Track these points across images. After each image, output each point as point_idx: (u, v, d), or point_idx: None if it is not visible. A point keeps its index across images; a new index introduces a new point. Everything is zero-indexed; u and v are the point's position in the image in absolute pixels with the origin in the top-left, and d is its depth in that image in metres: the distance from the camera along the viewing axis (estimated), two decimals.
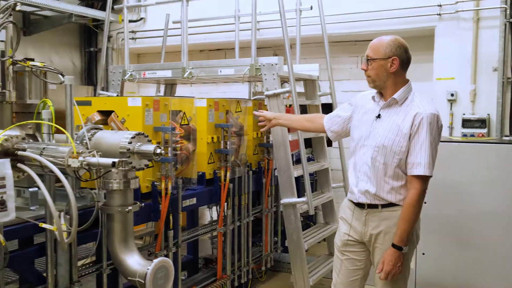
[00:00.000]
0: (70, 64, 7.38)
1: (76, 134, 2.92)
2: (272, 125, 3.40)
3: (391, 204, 2.69)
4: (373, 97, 2.79)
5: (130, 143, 2.76)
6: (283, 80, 4.75)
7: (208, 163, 4.04)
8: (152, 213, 3.41)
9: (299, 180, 4.76)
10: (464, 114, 5.20)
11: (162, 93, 5.71)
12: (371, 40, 2.73)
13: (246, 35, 6.14)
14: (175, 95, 5.65)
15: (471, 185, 3.76)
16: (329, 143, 6.52)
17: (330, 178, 4.82)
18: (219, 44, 6.67)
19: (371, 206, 2.74)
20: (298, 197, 4.16)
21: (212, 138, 4.04)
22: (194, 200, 3.85)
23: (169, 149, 3.42)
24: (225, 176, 4.11)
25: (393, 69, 2.63)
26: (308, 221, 5.87)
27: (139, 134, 2.82)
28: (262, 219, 4.85)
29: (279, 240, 5.17)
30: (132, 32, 7.05)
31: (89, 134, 2.89)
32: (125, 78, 4.75)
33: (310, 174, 5.05)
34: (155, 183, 3.40)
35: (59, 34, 7.05)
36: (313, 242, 4.35)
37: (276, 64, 4.08)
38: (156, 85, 5.78)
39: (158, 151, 2.78)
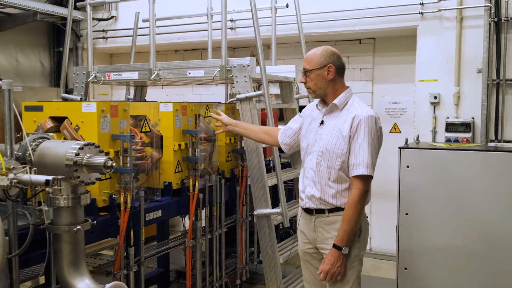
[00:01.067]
0: (39, 64, 7.02)
1: (20, 144, 2.63)
2: (227, 130, 3.44)
3: (337, 209, 2.74)
4: (316, 106, 2.88)
5: (77, 154, 2.46)
6: (258, 83, 4.49)
7: (175, 172, 3.75)
8: (110, 229, 3.11)
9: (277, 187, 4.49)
10: (447, 118, 4.98)
11: (132, 96, 5.41)
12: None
13: (220, 34, 5.87)
14: (145, 97, 5.36)
15: (455, 195, 3.53)
16: None
17: None
18: (194, 43, 6.38)
19: (319, 211, 2.80)
20: (275, 206, 3.91)
21: (180, 145, 3.76)
22: (159, 213, 3.56)
23: (128, 158, 3.13)
24: (194, 185, 3.83)
25: (330, 76, 2.73)
26: (289, 229, 5.60)
27: (88, 144, 2.53)
28: (236, 230, 4.57)
29: (255, 251, 4.90)
30: (103, 31, 6.73)
31: (34, 144, 2.59)
32: (89, 80, 4.44)
33: (288, 181, 4.79)
34: (113, 196, 3.11)
35: (26, 33, 6.69)
36: (290, 255, 4.08)
37: (248, 65, 3.81)
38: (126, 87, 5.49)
39: (110, 163, 2.48)
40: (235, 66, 3.84)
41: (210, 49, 5.04)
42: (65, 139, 3.01)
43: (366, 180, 2.65)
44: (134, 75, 4.32)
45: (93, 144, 2.56)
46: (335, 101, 2.75)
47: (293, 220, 4.92)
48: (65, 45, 4.64)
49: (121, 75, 4.39)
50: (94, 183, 2.57)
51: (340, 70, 2.76)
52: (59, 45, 7.01)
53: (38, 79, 6.95)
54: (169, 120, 3.71)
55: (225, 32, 3.89)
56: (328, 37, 5.82)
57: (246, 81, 3.82)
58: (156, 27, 6.16)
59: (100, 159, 2.48)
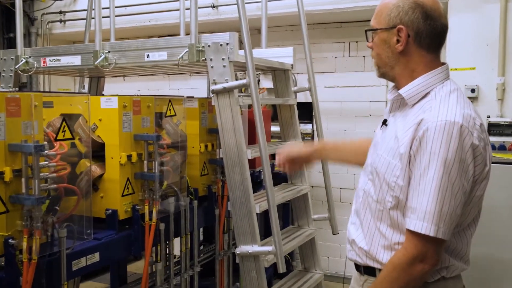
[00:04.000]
0: None
1: None
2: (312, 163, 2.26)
3: None
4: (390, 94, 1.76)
5: None
6: (241, 69, 3.39)
7: (123, 195, 2.64)
8: None
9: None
10: (489, 117, 3.87)
11: (86, 90, 4.29)
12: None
13: (200, 14, 4.76)
14: (102, 92, 4.23)
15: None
16: None
17: (310, 207, 3.45)
18: (169, 27, 5.23)
19: (368, 271, 1.72)
20: (265, 236, 2.82)
21: (130, 156, 2.64)
22: (96, 256, 2.44)
23: (36, 182, 2.00)
24: (151, 213, 2.71)
25: (399, 46, 1.62)
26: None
27: None
28: (215, 266, 3.46)
29: None
30: (60, 12, 5.59)
31: None
32: (17, 67, 3.32)
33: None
34: (10, 240, 1.98)
35: None
36: None
37: (227, 44, 2.69)
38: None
39: None
40: (209, 45, 2.72)
41: (183, 28, 3.89)
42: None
43: (423, 241, 1.51)
44: (76, 60, 3.19)
45: None
46: (402, 91, 1.65)
47: (292, 256, 3.79)
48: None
49: (59, 60, 3.26)
50: None
51: (423, 37, 1.60)
52: (9, 31, 5.86)
53: None
54: (114, 121, 2.60)
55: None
56: (333, 17, 4.72)
57: (224, 66, 2.70)
58: (122, 6, 5.08)
59: None
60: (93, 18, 3.41)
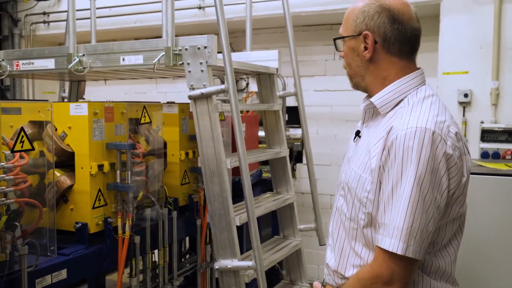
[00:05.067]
0: None
1: None
2: None
3: None
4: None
5: None
6: (223, 74, 3.25)
7: (94, 207, 2.49)
8: None
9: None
10: (483, 123, 3.74)
11: (67, 94, 4.14)
12: None
13: (186, 15, 4.63)
14: (83, 96, 4.08)
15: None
16: (299, 159, 5.04)
17: (296, 217, 3.31)
18: (156, 29, 5.06)
19: None
20: (246, 250, 2.67)
21: (101, 166, 2.50)
22: (63, 273, 2.29)
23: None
24: (124, 225, 2.56)
25: (367, 53, 1.52)
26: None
27: None
28: (197, 279, 3.32)
29: None
30: (44, 13, 5.44)
31: None
32: None
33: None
34: None
35: None
36: None
37: (205, 47, 2.55)
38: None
39: None
40: (186, 49, 2.58)
41: (165, 31, 3.75)
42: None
43: (390, 260, 1.37)
44: (50, 63, 3.05)
45: None
46: (374, 99, 1.53)
47: (282, 265, 3.65)
48: None
49: (32, 63, 3.12)
50: None
51: (392, 42, 1.49)
52: None
53: None
54: (83, 129, 2.45)
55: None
56: (323, 19, 4.58)
57: (202, 70, 2.56)
58: (106, 7, 4.94)
59: None
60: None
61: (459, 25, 3.85)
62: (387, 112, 1.50)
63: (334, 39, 1.60)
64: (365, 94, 1.63)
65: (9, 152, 2.03)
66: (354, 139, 1.62)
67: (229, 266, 2.57)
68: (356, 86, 1.60)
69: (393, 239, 1.35)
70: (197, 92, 2.55)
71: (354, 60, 1.54)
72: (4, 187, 1.92)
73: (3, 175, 1.91)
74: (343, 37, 1.56)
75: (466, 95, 3.78)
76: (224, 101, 3.73)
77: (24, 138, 1.94)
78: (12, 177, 1.92)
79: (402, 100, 1.49)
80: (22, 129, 1.94)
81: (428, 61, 4.19)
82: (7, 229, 1.96)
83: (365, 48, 1.51)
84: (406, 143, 1.34)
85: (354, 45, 1.53)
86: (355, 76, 1.58)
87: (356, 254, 1.51)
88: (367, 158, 1.46)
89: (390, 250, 1.35)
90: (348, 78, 1.62)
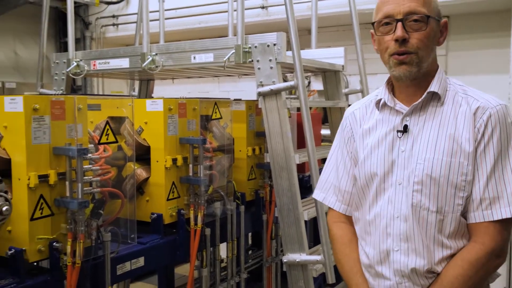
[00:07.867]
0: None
1: None
2: None
3: None
4: (377, 102, 1.63)
5: None
6: (289, 71, 3.29)
7: (169, 199, 2.60)
8: None
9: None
10: None
11: (136, 92, 4.32)
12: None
13: (249, 15, 4.70)
14: (152, 94, 4.25)
15: None
16: None
17: None
18: (219, 29, 5.21)
19: None
20: (315, 244, 2.70)
21: (175, 160, 2.60)
22: (140, 261, 2.41)
23: (79, 185, 1.98)
24: (196, 217, 2.66)
25: (443, 39, 1.58)
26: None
27: None
28: (263, 273, 3.38)
29: None
30: (113, 16, 5.69)
31: None
32: (68, 70, 3.36)
33: None
34: (54, 243, 1.97)
35: (26, 21, 5.74)
36: None
37: (274, 44, 2.60)
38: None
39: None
40: (256, 46, 2.64)
41: (231, 30, 3.84)
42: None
43: (503, 233, 1.46)
44: (124, 63, 3.20)
45: None
46: (434, 87, 1.52)
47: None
48: (42, 30, 3.58)
49: (108, 62, 3.28)
50: None
51: None
52: (66, 35, 6.01)
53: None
54: (159, 124, 2.56)
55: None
56: None
57: (272, 67, 2.61)
58: (172, 9, 5.10)
59: None
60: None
61: None
62: (444, 100, 1.53)
63: (427, 16, 1.49)
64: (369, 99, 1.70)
65: (92, 145, 2.16)
66: (398, 134, 1.54)
67: (297, 260, 2.61)
68: (418, 71, 1.50)
69: (508, 207, 1.42)
70: (266, 88, 2.61)
71: (432, 43, 1.52)
72: (91, 177, 2.05)
73: (90, 166, 2.03)
74: (434, 18, 1.50)
75: None
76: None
77: (109, 131, 2.06)
78: (98, 167, 2.04)
79: (447, 89, 1.54)
80: (107, 122, 2.07)
81: (497, 58, 4.08)
82: (92, 217, 2.08)
83: (441, 34, 1.56)
84: (502, 119, 1.46)
85: (436, 28, 1.52)
86: (426, 59, 1.51)
87: (443, 246, 1.48)
88: (454, 143, 1.47)
89: (510, 216, 1.43)
90: (413, 64, 1.49)
